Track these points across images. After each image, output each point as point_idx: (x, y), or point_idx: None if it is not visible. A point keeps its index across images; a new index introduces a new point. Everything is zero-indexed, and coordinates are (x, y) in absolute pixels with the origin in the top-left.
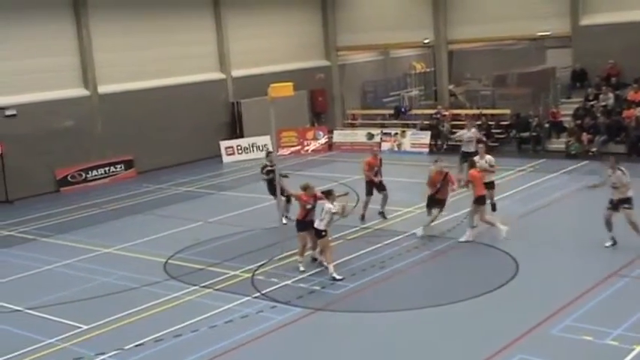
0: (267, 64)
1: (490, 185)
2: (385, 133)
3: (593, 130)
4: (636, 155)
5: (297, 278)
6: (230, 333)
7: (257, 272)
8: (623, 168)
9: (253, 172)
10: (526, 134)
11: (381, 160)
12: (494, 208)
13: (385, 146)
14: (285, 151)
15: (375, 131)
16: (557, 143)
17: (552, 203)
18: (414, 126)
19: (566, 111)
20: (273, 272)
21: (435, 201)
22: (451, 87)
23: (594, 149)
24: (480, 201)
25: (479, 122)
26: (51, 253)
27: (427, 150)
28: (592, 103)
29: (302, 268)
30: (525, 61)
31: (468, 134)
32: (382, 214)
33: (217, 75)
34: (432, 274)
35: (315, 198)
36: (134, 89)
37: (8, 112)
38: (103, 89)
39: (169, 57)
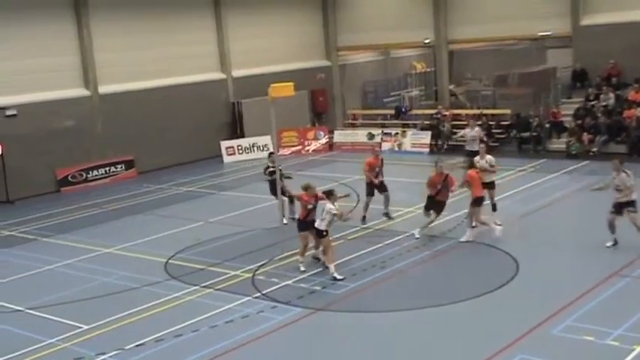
0: (267, 64)
1: (491, 185)
2: (386, 133)
3: (593, 130)
4: (637, 155)
5: (297, 278)
6: (230, 333)
7: (258, 272)
8: (627, 170)
9: (254, 172)
10: (527, 134)
11: (382, 160)
12: (494, 208)
13: (386, 146)
14: (286, 151)
15: (376, 131)
16: (558, 143)
17: (553, 203)
18: (415, 126)
19: (567, 111)
20: (273, 272)
21: (435, 203)
22: (452, 87)
23: (595, 149)
24: (477, 202)
25: (479, 122)
26: (52, 253)
27: (428, 150)
28: (593, 103)
29: (303, 268)
30: (526, 61)
31: (471, 133)
32: (387, 214)
33: (218, 75)
34: (432, 274)
35: (317, 198)
36: (135, 89)
37: (9, 112)
38: (103, 89)
39: (170, 57)
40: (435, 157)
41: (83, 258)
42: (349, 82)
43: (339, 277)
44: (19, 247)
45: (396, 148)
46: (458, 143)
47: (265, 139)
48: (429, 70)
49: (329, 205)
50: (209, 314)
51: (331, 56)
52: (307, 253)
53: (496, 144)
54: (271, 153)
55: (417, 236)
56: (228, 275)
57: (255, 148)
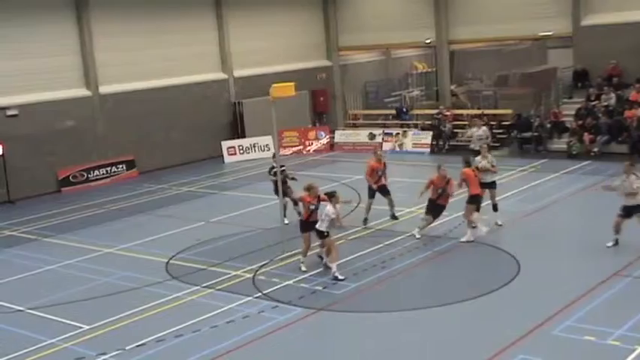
0: (268, 64)
1: (492, 185)
2: (387, 133)
3: (594, 130)
4: (638, 155)
5: (298, 278)
6: (231, 333)
7: (258, 272)
8: (638, 173)
9: (255, 172)
10: (528, 134)
11: (385, 164)
12: (495, 208)
13: (387, 146)
14: (287, 151)
15: (377, 131)
16: (559, 143)
17: (554, 203)
18: (416, 126)
19: (568, 111)
20: (274, 272)
21: (436, 206)
22: (453, 87)
23: (596, 149)
24: (473, 200)
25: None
26: (53, 253)
27: (429, 150)
28: (594, 103)
29: (304, 269)
30: (527, 61)
31: (478, 132)
32: (393, 215)
33: (219, 75)
34: (433, 274)
35: (319, 199)
36: (136, 89)
37: (10, 113)
38: (104, 89)
39: (171, 57)
40: (436, 158)
41: (84, 258)
42: (350, 82)
43: (340, 277)
44: (20, 247)
45: (397, 148)
46: (458, 143)
47: (266, 139)
48: (430, 70)
49: (328, 208)
50: (210, 314)
51: (332, 56)
52: (311, 253)
53: (497, 144)
54: (275, 153)
55: (418, 236)
56: (230, 275)
57: (256, 149)
